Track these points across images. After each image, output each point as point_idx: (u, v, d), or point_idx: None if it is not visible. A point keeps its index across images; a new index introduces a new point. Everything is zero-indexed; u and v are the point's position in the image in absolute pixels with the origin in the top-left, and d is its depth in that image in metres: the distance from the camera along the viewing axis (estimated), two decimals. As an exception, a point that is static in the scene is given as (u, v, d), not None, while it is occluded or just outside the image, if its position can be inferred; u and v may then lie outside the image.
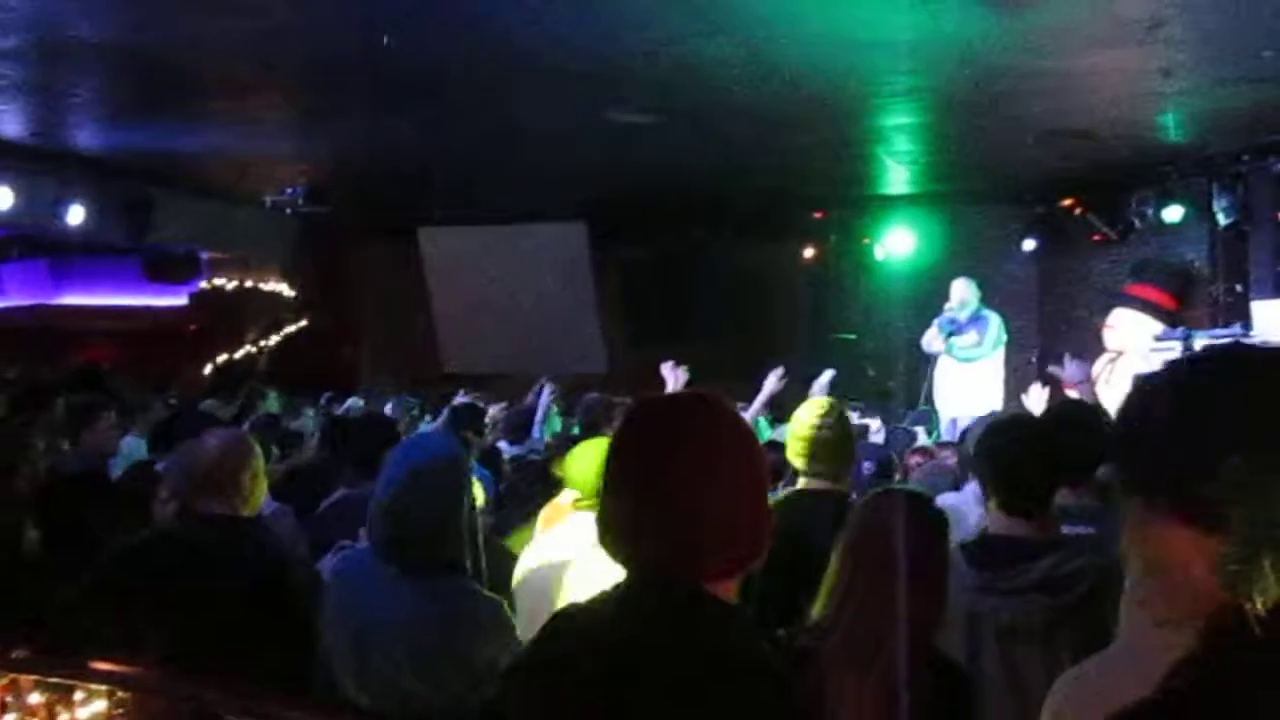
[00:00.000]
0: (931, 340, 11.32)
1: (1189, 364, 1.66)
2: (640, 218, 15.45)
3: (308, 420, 10.64)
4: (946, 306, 11.30)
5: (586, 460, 4.31)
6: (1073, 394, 11.13)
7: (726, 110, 9.89)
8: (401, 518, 3.40)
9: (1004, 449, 3.61)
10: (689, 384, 7.38)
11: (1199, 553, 1.47)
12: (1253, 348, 1.63)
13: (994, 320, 11.30)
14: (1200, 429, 1.52)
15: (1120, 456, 1.65)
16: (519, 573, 4.17)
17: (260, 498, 4.19)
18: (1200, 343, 9.74)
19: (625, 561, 1.90)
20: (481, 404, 9.08)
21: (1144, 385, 1.66)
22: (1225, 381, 1.57)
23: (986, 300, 11.58)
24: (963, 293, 11.27)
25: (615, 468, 1.96)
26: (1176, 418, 1.56)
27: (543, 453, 7.72)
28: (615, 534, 1.92)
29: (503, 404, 9.65)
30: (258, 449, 4.20)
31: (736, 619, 1.87)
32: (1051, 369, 7.33)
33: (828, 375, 7.05)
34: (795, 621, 3.04)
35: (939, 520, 3.12)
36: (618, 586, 1.89)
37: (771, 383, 6.83)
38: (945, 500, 4.84)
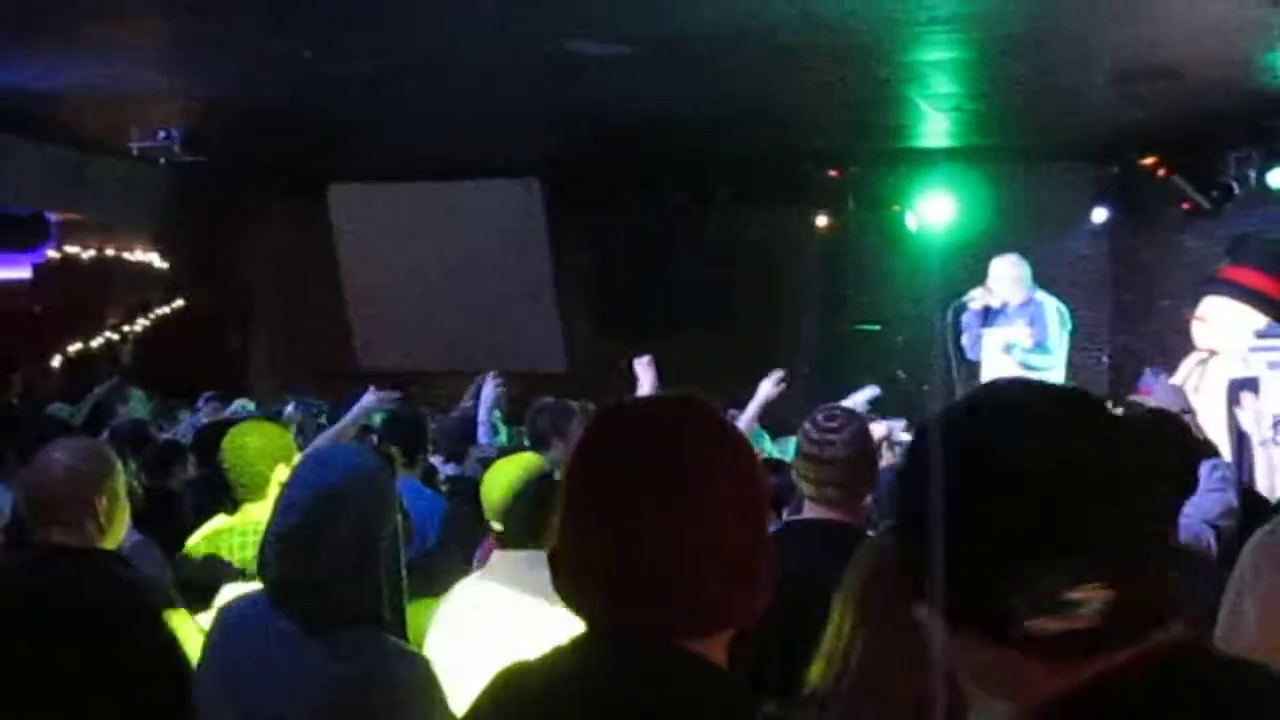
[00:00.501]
0: (968, 345, 11.05)
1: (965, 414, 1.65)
2: (609, 176, 15.44)
3: (183, 427, 10.59)
4: (970, 297, 10.96)
5: (500, 481, 4.34)
6: (1153, 404, 11.18)
7: (717, 40, 9.88)
8: (303, 556, 3.37)
9: None
10: (666, 386, 7.38)
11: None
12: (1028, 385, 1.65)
13: (1050, 307, 11.03)
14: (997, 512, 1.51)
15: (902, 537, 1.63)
16: (433, 630, 4.20)
17: (122, 526, 4.16)
18: (1313, 341, 9.79)
19: (585, 613, 1.89)
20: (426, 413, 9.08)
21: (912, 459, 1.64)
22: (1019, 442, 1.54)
23: (1044, 285, 11.51)
24: (1008, 273, 10.94)
25: (573, 494, 1.94)
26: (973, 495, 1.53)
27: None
28: (572, 577, 1.91)
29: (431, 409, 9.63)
30: (118, 464, 4.18)
31: (721, 686, 1.86)
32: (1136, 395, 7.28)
33: (869, 393, 6.97)
34: (794, 688, 3.03)
35: None
36: (575, 643, 1.89)
37: (766, 388, 6.84)
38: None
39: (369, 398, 7.63)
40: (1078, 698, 1.50)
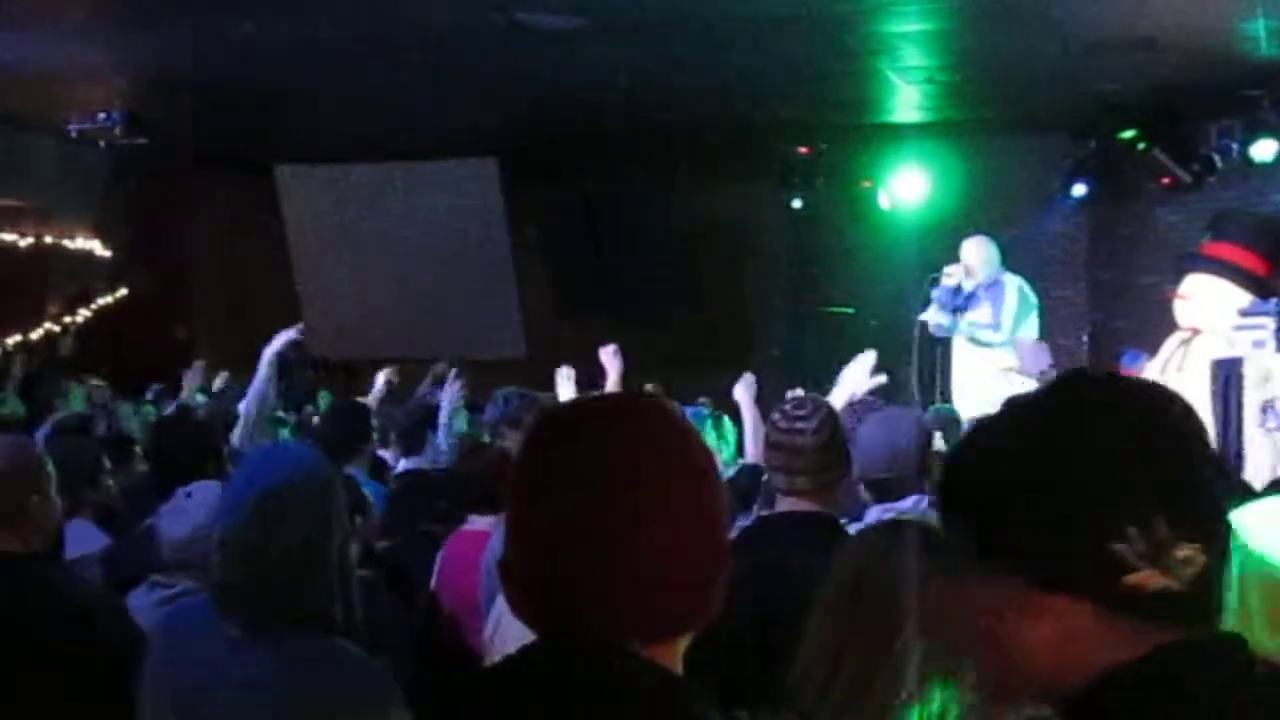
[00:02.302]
0: (934, 323, 11.23)
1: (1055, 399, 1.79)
2: (567, 154, 15.42)
3: (128, 422, 10.52)
4: (945, 272, 11.16)
5: None
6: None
7: (681, 12, 9.84)
8: (247, 558, 3.33)
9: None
10: (631, 372, 7.37)
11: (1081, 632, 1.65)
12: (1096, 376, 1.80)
13: (1011, 286, 11.16)
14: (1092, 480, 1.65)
15: (975, 515, 1.75)
16: None
17: (53, 525, 4.13)
18: (1298, 317, 9.82)
19: (530, 619, 1.88)
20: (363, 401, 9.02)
21: (1007, 421, 1.79)
22: (1110, 418, 1.70)
23: (1020, 263, 11.57)
24: (974, 255, 11.13)
25: (516, 500, 1.93)
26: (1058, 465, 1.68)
27: (444, 464, 7.68)
28: (519, 585, 1.89)
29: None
30: (49, 464, 4.13)
31: (676, 693, 1.83)
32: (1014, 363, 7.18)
33: (867, 359, 6.65)
34: (768, 700, 2.99)
35: None
36: (524, 651, 1.86)
37: (742, 394, 6.77)
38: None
39: (275, 342, 7.64)
40: (1137, 671, 1.63)
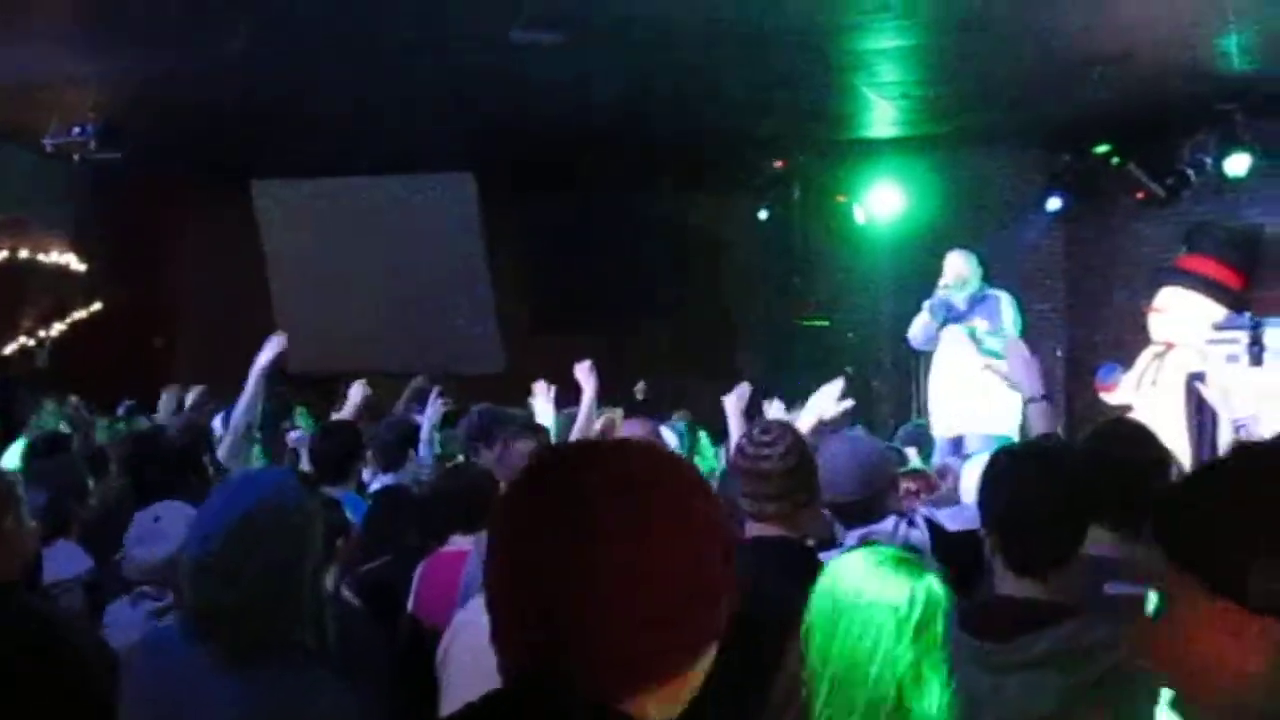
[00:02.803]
0: (920, 331, 11.14)
1: None
2: (546, 167, 15.40)
3: (101, 437, 10.48)
4: (941, 284, 11.08)
5: None
6: (1110, 399, 11.20)
7: (656, 28, 9.84)
8: (221, 585, 3.31)
9: (1008, 485, 3.61)
10: (609, 386, 7.35)
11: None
12: None
13: (1004, 300, 11.11)
14: None
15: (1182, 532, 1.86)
16: None
17: (28, 551, 4.09)
18: (1273, 333, 9.84)
19: (504, 669, 1.85)
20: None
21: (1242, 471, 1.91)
22: None
23: (996, 277, 11.55)
24: (960, 267, 11.04)
25: (496, 543, 1.90)
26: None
27: (423, 482, 7.64)
28: (497, 628, 1.87)
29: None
30: (18, 484, 4.10)
31: None
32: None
33: (835, 387, 6.68)
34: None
35: (938, 593, 3.08)
36: (488, 699, 1.84)
37: (731, 404, 6.73)
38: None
39: (264, 353, 7.57)
40: None
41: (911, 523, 4.88)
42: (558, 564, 1.82)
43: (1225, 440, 7.90)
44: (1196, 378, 9.27)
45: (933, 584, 3.05)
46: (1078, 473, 3.71)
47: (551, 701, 1.79)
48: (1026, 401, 4.98)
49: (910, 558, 3.20)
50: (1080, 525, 3.60)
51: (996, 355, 10.49)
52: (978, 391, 10.55)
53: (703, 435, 10.60)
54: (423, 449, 8.72)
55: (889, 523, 4.77)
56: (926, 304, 11.01)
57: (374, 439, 8.83)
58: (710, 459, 10.16)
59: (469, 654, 4.13)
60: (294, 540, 3.41)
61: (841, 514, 4.91)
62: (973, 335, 10.65)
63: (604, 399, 8.31)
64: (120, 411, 12.06)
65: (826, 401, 6.14)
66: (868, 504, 4.86)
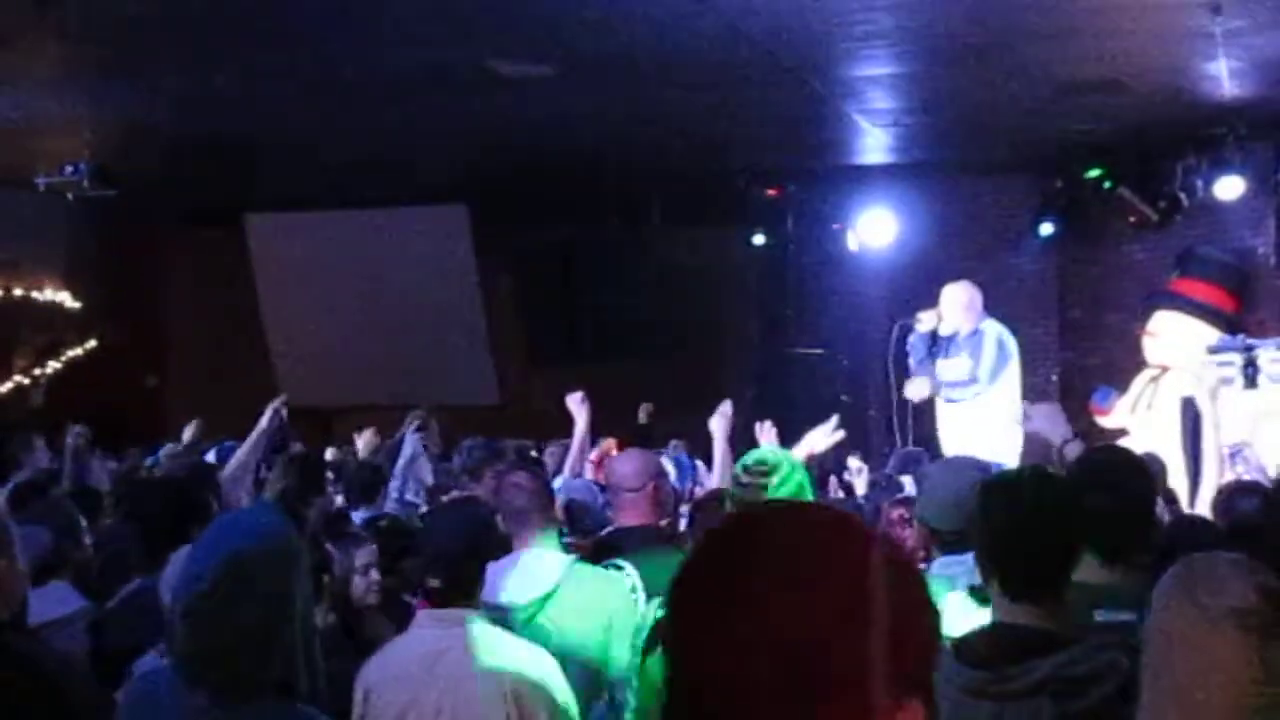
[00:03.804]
0: (916, 390, 10.77)
1: None
2: (537, 200, 15.38)
3: (96, 475, 10.40)
4: (918, 318, 10.65)
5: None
6: (1105, 423, 11.16)
7: (648, 59, 9.83)
8: (209, 627, 3.29)
9: (1003, 511, 3.60)
10: (604, 417, 7.31)
11: None
12: None
13: (990, 336, 10.61)
14: None
15: None
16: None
17: (20, 592, 4.04)
18: (1267, 355, 9.83)
19: None
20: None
21: None
22: None
23: (990, 302, 11.31)
24: (950, 302, 10.57)
25: (695, 598, 1.73)
26: None
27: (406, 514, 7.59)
28: (682, 687, 1.67)
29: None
30: (9, 528, 4.05)
31: None
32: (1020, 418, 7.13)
33: (829, 425, 6.71)
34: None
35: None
36: None
37: (717, 425, 6.70)
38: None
39: (266, 416, 7.57)
40: None
41: None
42: (774, 623, 1.64)
43: (1211, 467, 7.80)
44: (1191, 402, 9.24)
45: None
46: (1068, 499, 3.69)
47: None
48: (1060, 447, 5.07)
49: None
50: (1071, 551, 3.60)
51: (954, 400, 10.40)
52: (973, 419, 10.39)
53: (701, 466, 10.55)
54: (394, 479, 8.65)
55: (970, 555, 4.69)
56: (909, 346, 10.69)
57: (356, 473, 8.80)
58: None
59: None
60: (281, 581, 3.37)
61: (940, 542, 4.85)
62: (948, 399, 10.39)
63: (598, 430, 8.29)
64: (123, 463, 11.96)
65: (818, 436, 6.21)
66: (966, 535, 4.76)
